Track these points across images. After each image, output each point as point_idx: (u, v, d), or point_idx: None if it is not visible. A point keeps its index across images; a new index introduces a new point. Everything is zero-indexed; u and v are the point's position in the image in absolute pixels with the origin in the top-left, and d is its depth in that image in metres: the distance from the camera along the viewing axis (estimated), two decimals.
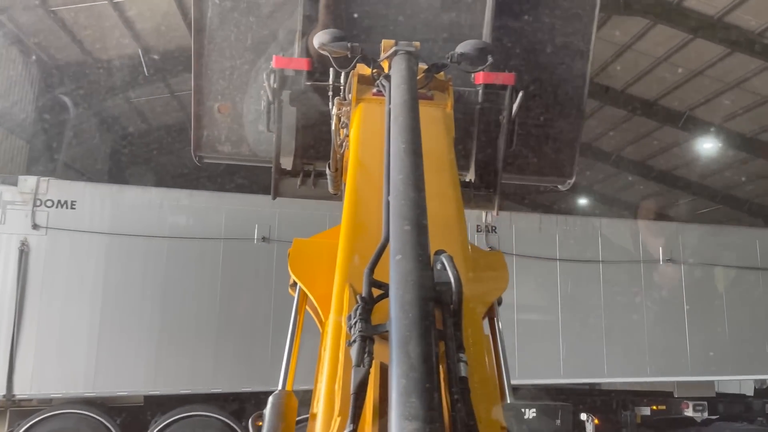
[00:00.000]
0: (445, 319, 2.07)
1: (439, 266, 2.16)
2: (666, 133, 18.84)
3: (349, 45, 3.68)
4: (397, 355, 1.75)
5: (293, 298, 3.15)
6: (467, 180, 4.87)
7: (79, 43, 14.68)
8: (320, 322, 2.88)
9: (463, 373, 1.97)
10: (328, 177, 4.70)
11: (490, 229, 13.15)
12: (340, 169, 4.38)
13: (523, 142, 5.05)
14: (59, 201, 12.31)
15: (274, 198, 5.42)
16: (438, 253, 2.21)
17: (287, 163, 5.08)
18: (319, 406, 2.27)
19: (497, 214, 5.23)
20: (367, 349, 2.00)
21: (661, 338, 13.25)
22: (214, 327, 12.31)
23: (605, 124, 19.38)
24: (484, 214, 13.14)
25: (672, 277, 13.29)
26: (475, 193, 5.05)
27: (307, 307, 3.15)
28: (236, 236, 12.77)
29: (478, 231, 13.16)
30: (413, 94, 3.04)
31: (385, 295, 2.16)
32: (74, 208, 12.31)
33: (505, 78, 4.58)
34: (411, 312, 1.85)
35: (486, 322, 3.03)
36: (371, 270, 2.25)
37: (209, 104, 5.16)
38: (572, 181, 5.42)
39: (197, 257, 12.62)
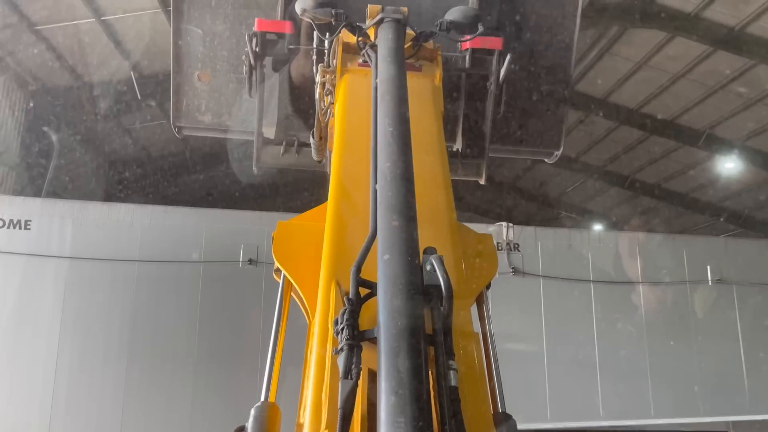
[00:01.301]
0: (434, 323, 2.04)
1: (428, 267, 2.09)
2: (686, 153, 17.42)
3: (333, 12, 3.60)
4: (386, 369, 1.78)
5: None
6: (454, 149, 4.85)
7: (64, 62, 13.32)
8: (306, 310, 2.76)
9: (453, 382, 1.95)
10: (312, 145, 4.61)
11: (512, 247, 11.60)
12: (325, 138, 4.31)
13: (509, 112, 5.07)
14: (11, 220, 10.79)
15: (255, 168, 5.16)
16: (427, 252, 2.16)
17: (270, 132, 4.95)
18: (305, 417, 2.18)
19: (484, 182, 5.04)
20: (354, 360, 1.93)
21: (714, 371, 11.60)
22: (192, 365, 10.67)
23: (619, 145, 17.97)
24: (505, 231, 11.61)
25: (723, 300, 11.68)
26: (463, 161, 4.97)
27: (292, 294, 3.00)
28: (218, 259, 11.21)
29: (498, 249, 11.58)
30: (401, 70, 3.01)
31: (373, 294, 2.13)
32: (29, 229, 10.85)
33: (493, 42, 4.55)
34: (400, 321, 1.88)
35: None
36: (358, 268, 2.19)
37: (189, 72, 5.09)
38: (559, 153, 5.37)
39: (173, 283, 11.09)
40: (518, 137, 5.36)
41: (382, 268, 2.05)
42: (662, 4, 11.89)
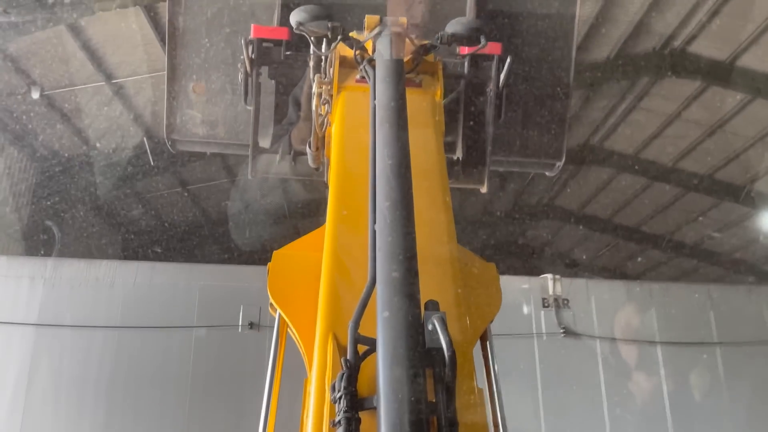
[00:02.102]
0: (436, 391, 1.98)
1: (430, 327, 2.02)
2: (726, 209, 15.98)
3: (329, 25, 3.66)
4: None
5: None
6: (455, 158, 4.72)
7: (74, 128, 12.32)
8: (301, 350, 2.66)
9: None
10: (309, 154, 4.52)
11: (561, 303, 9.89)
12: (321, 147, 4.26)
13: (509, 121, 5.07)
14: None
15: (251, 176, 5.09)
16: (429, 307, 2.11)
17: (265, 141, 4.88)
18: None
19: (485, 190, 4.74)
20: None
21: None
22: None
23: (654, 204, 16.59)
24: (551, 284, 9.93)
25: None
26: (464, 169, 4.78)
27: (289, 331, 2.87)
28: (213, 322, 9.57)
29: (544, 306, 9.90)
30: (400, 92, 2.94)
31: (373, 350, 2.08)
32: None
33: (492, 47, 4.41)
34: (401, 392, 1.83)
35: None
36: (356, 323, 2.14)
37: (183, 84, 5.09)
38: (561, 164, 5.31)
39: (159, 354, 9.41)
40: (520, 148, 5.30)
41: (382, 328, 2.00)
42: (694, 53, 10.76)
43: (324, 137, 4.07)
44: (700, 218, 16.25)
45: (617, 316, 9.95)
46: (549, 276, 10.00)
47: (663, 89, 12.00)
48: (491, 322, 2.93)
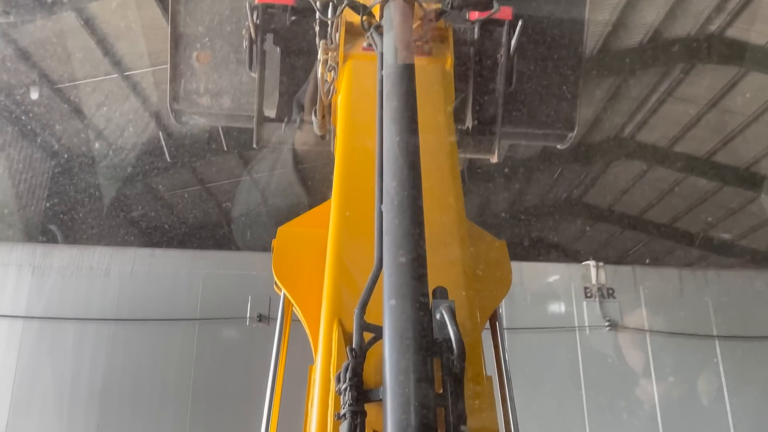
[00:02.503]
0: (444, 381, 1.90)
1: (438, 316, 1.95)
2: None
3: None
4: None
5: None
6: (465, 128, 4.53)
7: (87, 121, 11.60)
8: (308, 331, 2.59)
9: None
10: (314, 122, 4.38)
11: (606, 294, 8.86)
12: (327, 115, 4.16)
13: (520, 90, 4.84)
14: None
15: (256, 145, 4.88)
16: (437, 294, 2.04)
17: (271, 109, 4.70)
18: None
19: (496, 159, 4.61)
20: (358, 430, 1.81)
21: None
22: None
23: (690, 199, 15.49)
24: (594, 272, 8.92)
25: None
26: (474, 139, 4.65)
27: (294, 310, 2.80)
28: (219, 315, 8.68)
29: (587, 296, 8.88)
30: (409, 62, 2.85)
31: (379, 338, 2.00)
32: None
33: (503, 12, 4.32)
34: (407, 386, 1.77)
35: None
36: (362, 310, 2.09)
37: (187, 53, 4.96)
38: (573, 135, 5.06)
39: (159, 348, 8.55)
40: (531, 118, 5.11)
41: (389, 316, 1.94)
42: (732, 37, 9.92)
43: (330, 105, 3.98)
44: (737, 213, 15.22)
45: (669, 307, 8.90)
46: (591, 263, 8.99)
47: (699, 76, 11.08)
48: (501, 301, 2.90)
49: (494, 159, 4.75)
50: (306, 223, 3.13)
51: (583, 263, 9.07)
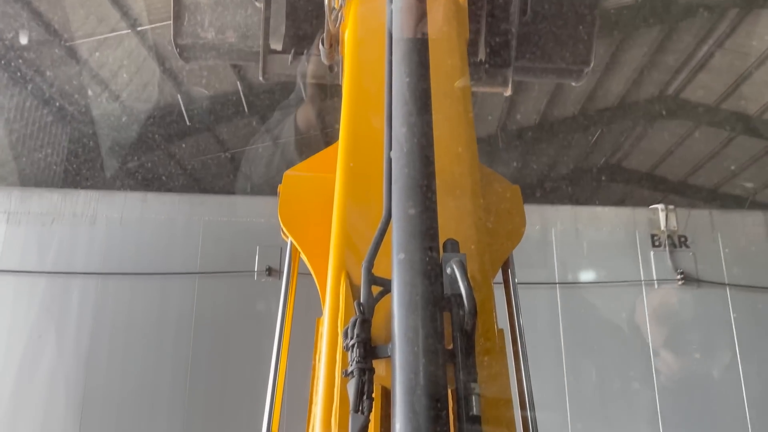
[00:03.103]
0: (455, 337, 1.87)
1: (449, 270, 1.90)
2: None
3: None
4: (401, 408, 1.65)
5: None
6: (478, 60, 4.31)
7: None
8: (316, 281, 2.55)
9: (475, 411, 1.77)
10: (322, 51, 4.20)
11: (678, 242, 7.51)
12: (335, 44, 3.99)
13: (535, 23, 4.69)
14: None
15: (262, 78, 4.73)
16: (448, 247, 1.98)
17: (277, 42, 4.60)
18: None
19: (510, 92, 4.39)
20: (366, 388, 1.78)
21: None
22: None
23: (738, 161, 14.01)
24: (663, 217, 7.57)
25: None
26: (487, 70, 4.39)
27: (302, 258, 2.74)
28: (222, 268, 7.49)
29: (654, 245, 7.54)
30: None
31: (387, 291, 1.97)
32: None
33: None
34: (416, 343, 1.74)
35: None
36: (370, 263, 2.03)
37: None
38: (589, 70, 4.90)
39: (153, 306, 7.39)
40: (545, 52, 4.85)
41: (397, 270, 1.91)
42: None
43: (338, 34, 3.78)
44: None
45: (755, 257, 7.54)
46: (660, 206, 7.62)
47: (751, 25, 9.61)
48: (514, 249, 2.80)
49: (507, 92, 4.51)
50: (314, 167, 3.02)
51: (651, 207, 7.71)
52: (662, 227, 7.51)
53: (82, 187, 10.67)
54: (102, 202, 7.79)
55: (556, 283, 7.26)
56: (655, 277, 7.36)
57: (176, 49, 5.01)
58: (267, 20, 4.52)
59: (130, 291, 7.41)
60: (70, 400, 6.98)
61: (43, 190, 7.96)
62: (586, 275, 7.40)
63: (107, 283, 7.41)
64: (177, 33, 4.95)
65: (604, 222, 7.65)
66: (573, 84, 5.44)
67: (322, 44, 4.16)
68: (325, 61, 4.33)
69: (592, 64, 4.84)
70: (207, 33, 4.95)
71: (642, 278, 7.37)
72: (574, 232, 7.51)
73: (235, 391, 6.98)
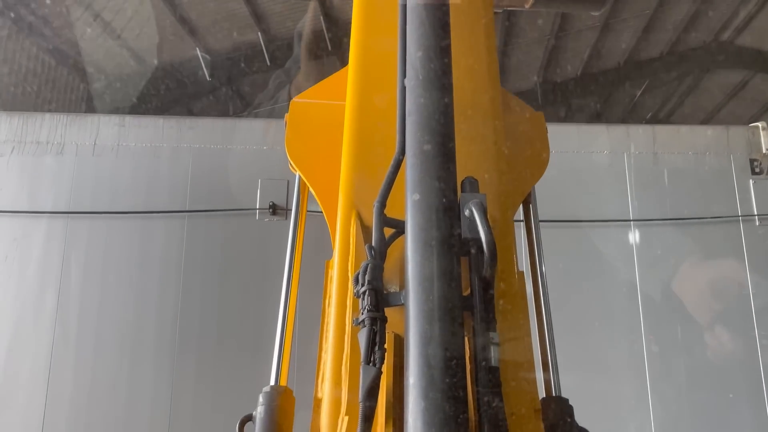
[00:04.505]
0: (473, 285, 1.80)
1: (467, 213, 1.78)
2: None
3: None
4: (414, 359, 1.54)
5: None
6: None
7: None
8: (326, 218, 2.42)
9: (494, 362, 1.72)
10: None
11: None
12: None
13: None
14: None
15: None
16: (466, 187, 1.88)
17: None
18: (323, 392, 2.02)
19: (529, 5, 3.71)
20: (378, 339, 1.74)
21: None
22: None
23: None
24: (765, 137, 6.05)
25: None
26: None
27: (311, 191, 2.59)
28: (216, 206, 6.22)
29: (755, 172, 6.08)
30: None
31: (400, 233, 1.93)
32: None
33: None
34: (431, 293, 1.61)
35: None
36: (382, 204, 1.96)
37: None
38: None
39: (133, 253, 6.14)
40: None
41: (411, 212, 1.75)
42: None
43: None
44: None
45: None
46: (761, 124, 6.12)
47: None
48: (536, 182, 2.63)
49: (528, 5, 3.94)
50: (324, 94, 2.81)
51: (750, 125, 6.21)
52: (764, 149, 6.04)
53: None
54: (71, 126, 6.48)
55: (630, 221, 5.88)
56: (756, 212, 5.93)
57: None
58: None
59: (105, 232, 6.16)
60: (36, 365, 5.83)
61: (1, 113, 6.65)
62: (668, 210, 5.98)
63: (77, 224, 6.16)
64: None
65: (689, 145, 6.19)
66: (593, 13, 5.21)
67: None
68: None
69: None
70: None
71: (739, 213, 5.94)
72: (652, 157, 6.08)
73: (233, 345, 5.81)
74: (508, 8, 4.05)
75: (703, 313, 5.65)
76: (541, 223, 2.67)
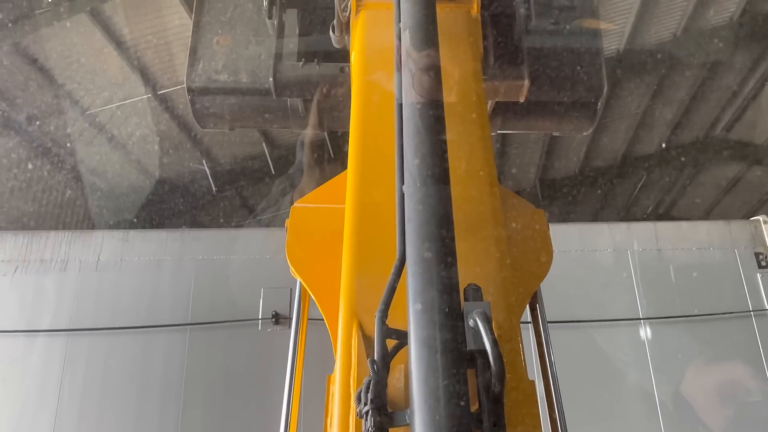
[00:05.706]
0: (480, 397, 1.67)
1: (471, 322, 1.71)
2: None
3: None
4: None
5: None
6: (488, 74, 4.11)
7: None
8: (327, 326, 2.33)
9: None
10: (333, 38, 4.04)
11: None
12: (345, 32, 3.83)
13: (542, 58, 4.40)
14: None
15: (272, 80, 4.39)
16: (469, 294, 1.79)
17: (290, 56, 4.56)
18: None
19: (524, 98, 4.02)
20: None
21: None
22: None
23: None
24: (766, 231, 6.08)
25: None
26: (503, 81, 4.14)
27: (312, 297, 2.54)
28: (219, 318, 6.17)
29: (761, 266, 6.06)
30: (430, 11, 2.44)
31: (403, 344, 1.85)
32: None
33: None
34: (438, 412, 1.55)
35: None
36: (384, 313, 1.86)
37: (208, 38, 4.82)
38: (605, 92, 4.53)
39: (136, 369, 6.03)
40: (558, 84, 4.42)
41: (414, 323, 1.71)
42: None
43: (348, 23, 3.59)
44: None
45: None
46: (762, 218, 6.16)
47: None
48: (541, 282, 2.56)
49: (522, 98, 4.18)
50: (324, 198, 2.79)
51: (752, 219, 6.25)
52: None
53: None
54: (75, 244, 6.56)
55: (639, 319, 5.79)
56: (767, 306, 5.86)
57: (187, 92, 4.77)
58: (281, 31, 4.43)
59: (108, 348, 6.08)
60: None
61: (6, 233, 6.74)
62: (676, 307, 5.90)
63: (79, 341, 6.09)
64: (190, 76, 4.75)
65: (692, 240, 6.20)
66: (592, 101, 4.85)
67: (333, 31, 3.98)
68: (335, 44, 4.13)
69: (606, 88, 4.47)
70: (220, 76, 4.83)
71: (750, 308, 5.86)
72: (656, 253, 6.07)
73: None
74: (501, 99, 4.30)
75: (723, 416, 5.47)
76: (549, 325, 2.64)
